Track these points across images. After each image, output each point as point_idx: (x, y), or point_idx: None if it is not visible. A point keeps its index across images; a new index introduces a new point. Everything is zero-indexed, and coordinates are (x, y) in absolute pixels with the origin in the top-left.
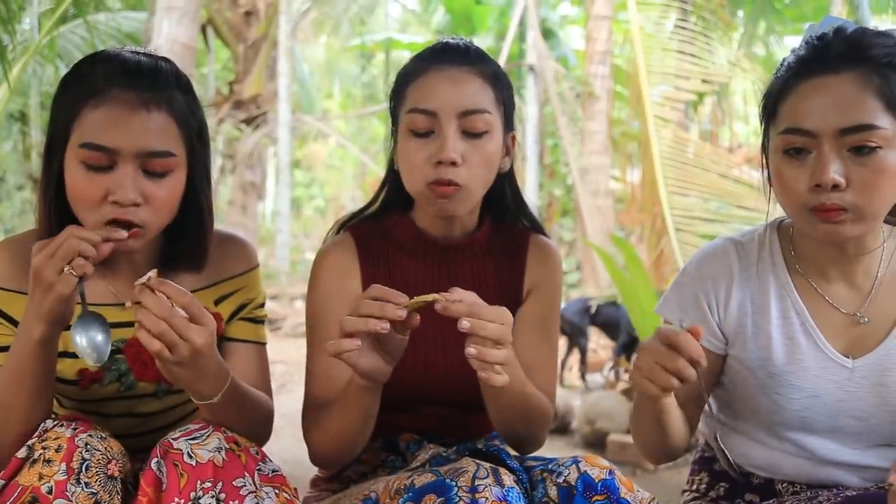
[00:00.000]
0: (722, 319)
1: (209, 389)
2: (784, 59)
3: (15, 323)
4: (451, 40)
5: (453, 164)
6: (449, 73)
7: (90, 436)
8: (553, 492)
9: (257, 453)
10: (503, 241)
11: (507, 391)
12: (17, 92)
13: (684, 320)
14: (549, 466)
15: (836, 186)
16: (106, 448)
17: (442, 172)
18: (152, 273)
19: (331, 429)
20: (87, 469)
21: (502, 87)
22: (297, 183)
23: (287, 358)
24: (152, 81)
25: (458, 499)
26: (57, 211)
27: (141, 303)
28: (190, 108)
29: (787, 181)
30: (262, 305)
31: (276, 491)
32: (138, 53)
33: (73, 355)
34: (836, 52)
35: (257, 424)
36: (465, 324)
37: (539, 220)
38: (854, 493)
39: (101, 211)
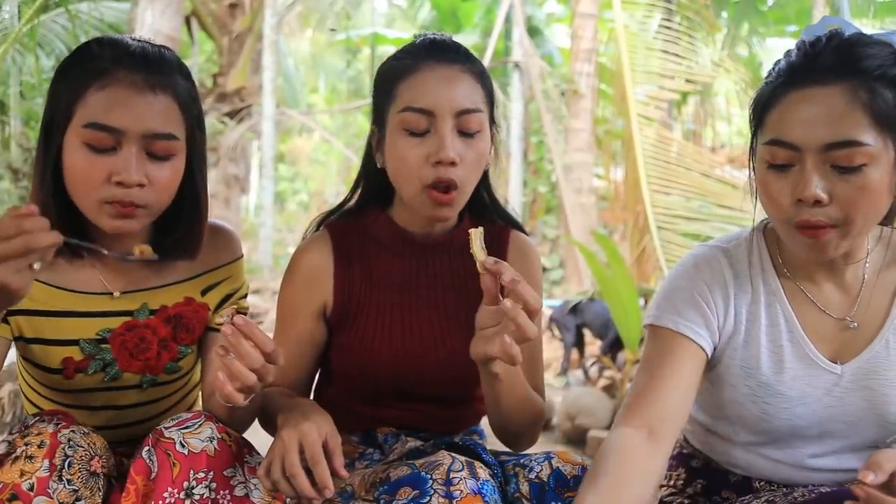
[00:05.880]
0: (721, 325)
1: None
2: (776, 63)
3: None
4: (437, 37)
5: (452, 163)
6: (442, 72)
7: (73, 431)
8: (525, 487)
9: (245, 445)
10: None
11: (508, 394)
12: None
13: None
14: (522, 461)
15: (818, 202)
16: (89, 444)
17: (441, 172)
18: (232, 310)
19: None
20: (69, 465)
21: (489, 86)
22: (281, 177)
23: None
24: (158, 65)
25: (433, 492)
26: (55, 195)
27: (229, 348)
28: (191, 95)
29: (772, 194)
30: (245, 296)
31: None
32: (140, 41)
33: (57, 342)
34: (825, 63)
35: (252, 418)
36: None
37: (515, 217)
38: (829, 489)
39: (101, 192)
